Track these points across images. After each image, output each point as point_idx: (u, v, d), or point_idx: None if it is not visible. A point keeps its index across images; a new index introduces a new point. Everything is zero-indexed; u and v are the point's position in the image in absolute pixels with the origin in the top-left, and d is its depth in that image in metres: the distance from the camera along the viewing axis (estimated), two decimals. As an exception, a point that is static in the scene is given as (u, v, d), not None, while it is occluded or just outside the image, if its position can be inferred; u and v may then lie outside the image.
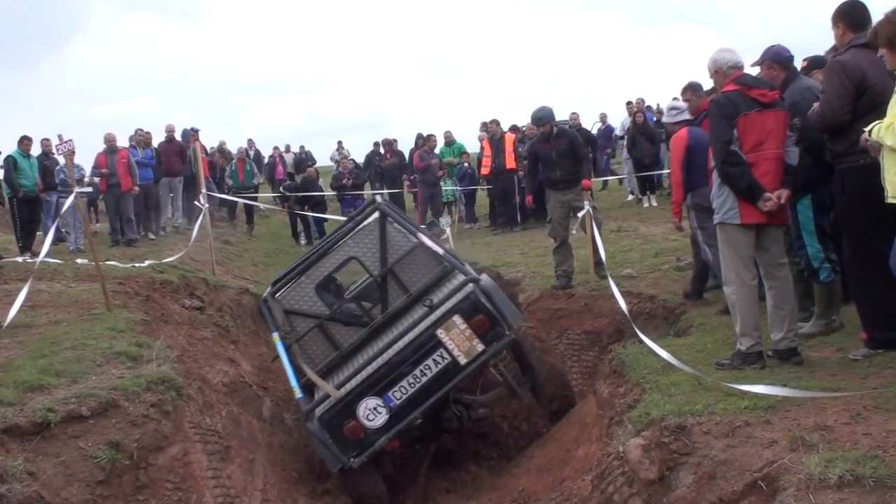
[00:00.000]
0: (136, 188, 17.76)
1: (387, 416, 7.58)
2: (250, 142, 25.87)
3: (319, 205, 21.50)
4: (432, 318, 7.75)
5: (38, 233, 16.70)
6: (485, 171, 20.22)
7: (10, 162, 15.63)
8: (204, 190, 16.43)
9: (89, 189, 17.33)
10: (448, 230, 16.26)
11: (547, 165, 11.73)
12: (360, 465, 7.63)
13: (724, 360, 6.42)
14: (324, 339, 8.77)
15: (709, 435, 4.90)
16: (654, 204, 18.79)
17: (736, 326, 6.37)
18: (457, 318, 7.60)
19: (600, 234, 11.12)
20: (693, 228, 9.51)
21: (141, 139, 19.37)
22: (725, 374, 6.03)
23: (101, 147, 17.78)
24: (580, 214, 11.20)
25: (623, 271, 11.30)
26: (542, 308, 10.97)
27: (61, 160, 15.54)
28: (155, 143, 19.93)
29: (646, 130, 19.22)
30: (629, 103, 21.13)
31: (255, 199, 22.72)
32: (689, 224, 9.72)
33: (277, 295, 9.19)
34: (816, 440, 4.39)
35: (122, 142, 18.49)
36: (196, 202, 17.19)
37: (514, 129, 21.36)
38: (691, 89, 9.99)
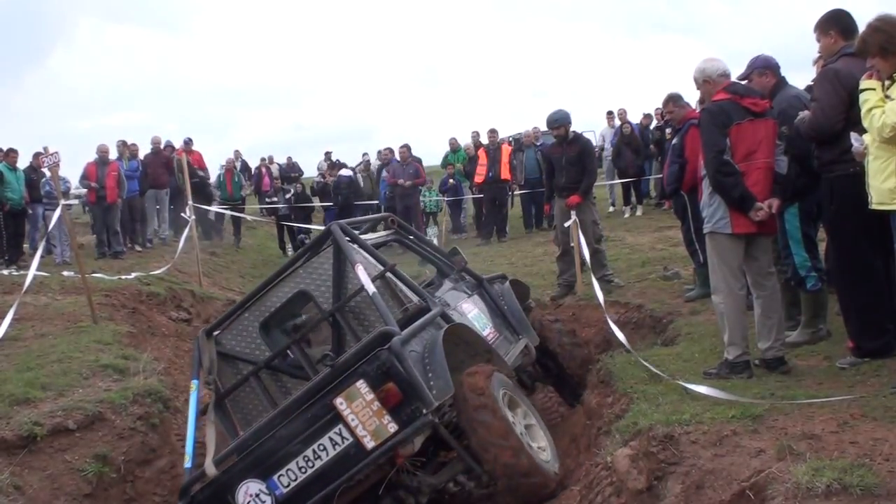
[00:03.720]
0: (120, 200, 17.70)
1: None
2: (237, 153, 25.86)
3: (307, 218, 21.48)
4: (332, 381, 5.97)
5: (24, 246, 16.66)
6: (479, 179, 20.23)
7: (-4, 175, 15.56)
8: (190, 202, 16.40)
9: (75, 201, 17.25)
10: (435, 241, 16.27)
11: (555, 170, 11.71)
12: None
13: (711, 370, 6.43)
14: (261, 391, 7.28)
15: (696, 444, 4.91)
16: (640, 214, 18.84)
17: (724, 335, 6.38)
18: (361, 385, 5.77)
19: (598, 246, 11.17)
20: (687, 235, 9.58)
21: (126, 151, 19.34)
22: (711, 382, 6.07)
23: (90, 158, 17.73)
24: (566, 224, 11.21)
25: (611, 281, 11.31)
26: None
27: (47, 172, 15.49)
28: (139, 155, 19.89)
29: (632, 141, 19.29)
30: (610, 113, 21.19)
31: (242, 210, 22.68)
32: (682, 228, 9.79)
33: (216, 333, 7.66)
34: (804, 449, 4.40)
35: (113, 154, 18.43)
36: (182, 214, 17.17)
37: (511, 141, 21.44)
38: (672, 101, 10.05)
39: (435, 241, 16.10)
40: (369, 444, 5.72)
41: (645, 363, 6.69)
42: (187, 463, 6.47)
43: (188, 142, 21.81)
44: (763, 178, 6.25)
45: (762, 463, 4.41)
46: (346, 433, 5.77)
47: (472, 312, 7.87)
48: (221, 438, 6.98)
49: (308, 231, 20.51)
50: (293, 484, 5.86)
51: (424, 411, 5.66)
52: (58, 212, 12.32)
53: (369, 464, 5.76)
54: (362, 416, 5.73)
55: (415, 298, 7.01)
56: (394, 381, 5.72)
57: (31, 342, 9.93)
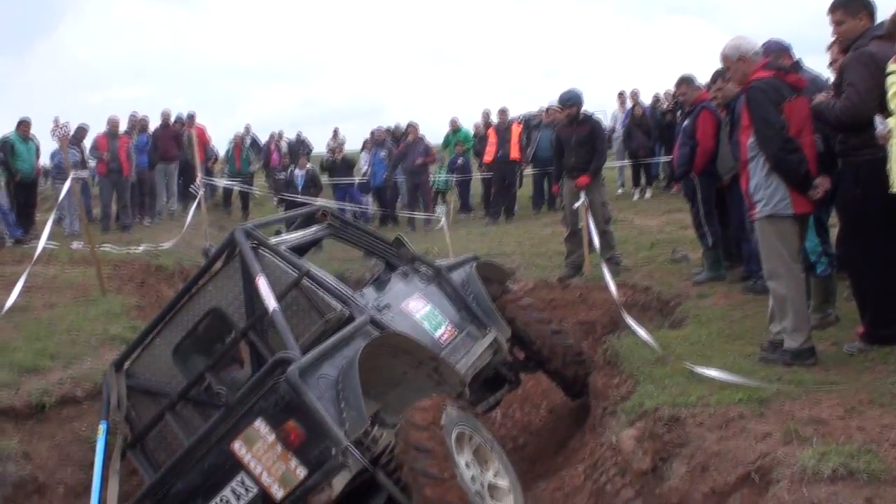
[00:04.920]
0: (133, 175, 17.79)
1: None
2: (247, 128, 25.79)
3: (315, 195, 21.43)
4: (228, 423, 5.17)
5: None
6: (488, 158, 20.15)
7: (8, 146, 15.55)
8: (200, 176, 16.42)
9: (85, 173, 17.26)
10: (444, 220, 16.25)
11: (565, 151, 11.67)
12: None
13: (771, 356, 6.15)
14: (180, 429, 6.07)
15: (702, 427, 4.92)
16: (648, 196, 18.80)
17: (782, 323, 6.10)
18: (259, 425, 4.96)
19: (607, 227, 11.13)
20: (696, 217, 9.55)
21: (138, 123, 19.35)
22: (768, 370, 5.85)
23: (101, 131, 17.75)
24: (575, 206, 11.18)
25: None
26: (537, 298, 10.93)
27: (56, 144, 15.50)
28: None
29: (643, 122, 19.20)
30: (621, 94, 21.07)
31: (250, 185, 22.67)
32: (691, 211, 9.77)
33: (126, 365, 6.61)
34: (810, 433, 4.41)
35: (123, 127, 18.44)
36: (191, 188, 17.19)
37: (521, 120, 21.32)
38: (685, 82, 10.00)
39: (444, 220, 16.09)
40: (277, 493, 4.94)
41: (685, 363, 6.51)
42: None
43: (192, 116, 21.78)
44: (812, 157, 6.03)
45: (768, 446, 4.43)
46: (249, 483, 5.01)
47: (423, 310, 7.03)
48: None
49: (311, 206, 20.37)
50: None
51: (334, 451, 4.83)
52: (67, 183, 12.32)
53: None
54: (265, 460, 4.94)
55: (338, 307, 6.08)
56: (294, 417, 4.92)
57: (40, 312, 9.98)
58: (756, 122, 6.02)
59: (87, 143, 17.99)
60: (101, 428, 6.17)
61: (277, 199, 21.72)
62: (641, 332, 7.04)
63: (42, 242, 10.54)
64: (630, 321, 7.46)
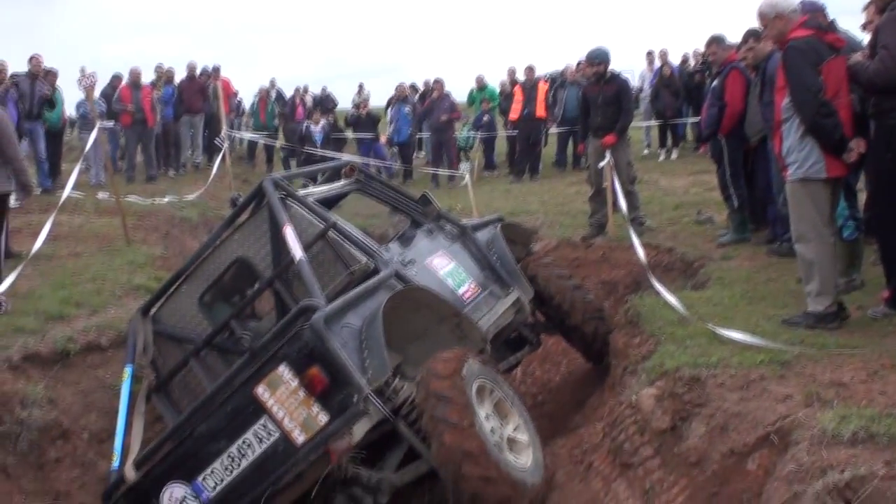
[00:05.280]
0: (158, 127, 17.84)
1: None
2: (272, 81, 25.69)
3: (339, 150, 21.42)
4: (252, 368, 5.28)
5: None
6: (514, 115, 20.01)
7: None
8: (225, 128, 16.44)
9: (111, 123, 17.31)
10: (468, 177, 16.19)
11: (591, 109, 11.57)
12: None
13: (795, 319, 6.06)
14: (204, 375, 6.27)
15: (723, 387, 4.92)
16: (675, 157, 18.65)
17: (810, 285, 6.02)
18: (283, 371, 5.05)
19: (631, 187, 11.05)
20: (723, 179, 9.47)
21: (163, 75, 19.35)
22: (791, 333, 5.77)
23: (124, 82, 17.79)
24: (600, 165, 11.10)
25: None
26: (560, 257, 10.90)
27: (83, 94, 15.51)
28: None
29: (671, 83, 18.99)
30: (649, 53, 20.84)
31: (275, 139, 22.67)
32: (717, 173, 9.68)
33: (153, 312, 6.78)
34: (831, 396, 4.40)
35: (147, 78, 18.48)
36: (216, 140, 17.22)
37: (548, 79, 21.10)
38: (715, 42, 9.87)
39: (468, 178, 16.03)
40: (299, 437, 5.05)
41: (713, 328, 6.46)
42: (114, 463, 5.76)
43: (217, 68, 21.74)
44: (848, 118, 5.91)
45: (788, 408, 4.42)
46: (271, 427, 5.09)
47: (447, 267, 7.05)
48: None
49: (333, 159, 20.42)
50: (220, 486, 5.22)
51: (355, 398, 4.96)
52: (94, 133, 12.38)
53: (301, 460, 5.09)
54: (288, 405, 5.04)
55: (363, 259, 6.16)
56: (318, 363, 5.01)
57: (65, 260, 10.09)
58: (792, 83, 5.90)
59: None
60: (127, 372, 6.29)
61: (286, 153, 21.71)
62: (666, 294, 7.02)
63: (67, 190, 10.61)
64: (655, 283, 7.45)
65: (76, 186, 11.50)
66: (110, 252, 10.69)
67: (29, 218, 12.03)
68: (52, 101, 15.18)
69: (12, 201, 8.08)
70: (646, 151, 20.15)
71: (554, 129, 20.44)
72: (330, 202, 7.12)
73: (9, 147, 7.77)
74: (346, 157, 17.68)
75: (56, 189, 14.31)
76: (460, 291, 6.86)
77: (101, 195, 14.31)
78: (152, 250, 11.12)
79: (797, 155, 5.95)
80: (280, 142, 22.95)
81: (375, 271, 5.99)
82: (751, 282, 7.50)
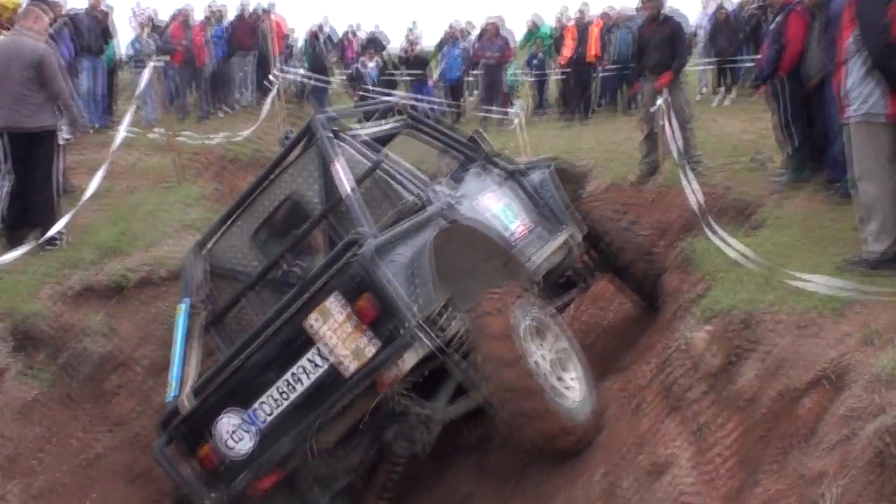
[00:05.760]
0: (209, 66, 17.86)
1: (254, 441, 5.40)
2: (324, 20, 25.51)
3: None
4: (302, 298, 5.34)
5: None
6: (565, 57, 19.72)
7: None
8: (276, 68, 16.42)
9: (164, 61, 17.37)
10: (518, 118, 16.04)
11: (646, 49, 11.41)
12: None
13: (852, 261, 5.90)
14: (257, 310, 6.37)
15: (776, 329, 4.86)
16: (733, 97, 18.30)
17: (868, 228, 5.86)
18: (333, 301, 5.10)
19: (686, 129, 10.86)
20: (783, 119, 9.26)
21: (214, 14, 19.32)
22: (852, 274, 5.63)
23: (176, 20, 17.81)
24: (654, 107, 10.94)
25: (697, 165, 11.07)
26: (611, 199, 10.79)
27: (136, 31, 15.57)
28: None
29: (727, 24, 18.58)
30: (706, -4, 20.35)
31: (326, 80, 22.60)
32: (774, 115, 9.48)
33: (207, 248, 6.85)
34: (888, 338, 4.32)
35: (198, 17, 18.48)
36: (267, 80, 17.22)
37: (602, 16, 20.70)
38: (775, -19, 9.61)
39: (518, 120, 15.89)
40: (349, 367, 5.12)
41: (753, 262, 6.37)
42: (171, 393, 5.85)
43: (269, 8, 21.63)
44: None
45: (844, 350, 4.36)
46: (321, 357, 5.18)
47: (497, 206, 7.01)
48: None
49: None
50: (272, 415, 5.34)
51: (404, 328, 4.99)
52: (147, 71, 12.42)
53: (351, 390, 5.17)
54: (338, 336, 5.09)
55: (412, 195, 6.16)
56: (367, 294, 5.03)
57: (120, 197, 10.24)
58: (861, 18, 5.70)
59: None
60: (182, 306, 6.40)
61: (351, 92, 21.63)
62: (720, 237, 6.95)
63: (123, 128, 10.68)
64: (709, 226, 7.38)
65: (130, 124, 11.58)
66: (164, 189, 10.83)
67: (84, 155, 12.18)
68: (107, 38, 15.25)
69: (62, 137, 8.11)
70: (700, 95, 19.79)
71: (605, 71, 20.11)
72: (379, 141, 7.06)
73: (54, 82, 7.82)
74: (397, 94, 17.64)
75: (110, 126, 14.43)
76: (510, 230, 6.83)
77: (155, 133, 14.41)
78: (204, 188, 11.24)
79: (859, 93, 5.77)
80: (332, 81, 22.86)
81: (424, 208, 6.00)
82: (807, 225, 7.37)
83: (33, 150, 7.86)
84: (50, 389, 6.13)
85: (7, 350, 5.72)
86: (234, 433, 5.42)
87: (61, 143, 8.09)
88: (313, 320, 5.13)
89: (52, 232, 7.69)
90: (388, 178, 6.21)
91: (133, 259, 7.82)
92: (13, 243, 7.62)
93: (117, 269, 7.46)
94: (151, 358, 7.03)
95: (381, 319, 5.01)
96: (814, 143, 9.14)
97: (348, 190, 5.76)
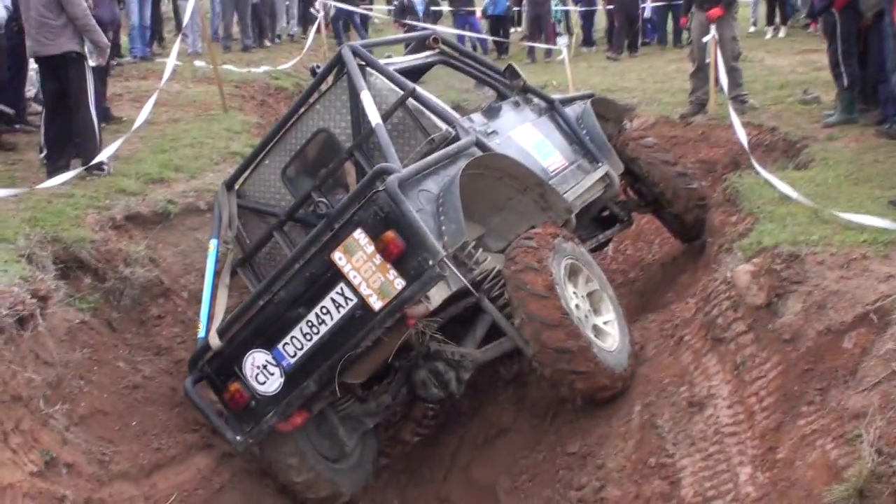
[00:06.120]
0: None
1: (281, 380, 5.39)
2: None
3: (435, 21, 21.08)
4: (328, 233, 5.22)
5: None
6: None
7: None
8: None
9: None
10: (565, 52, 15.81)
11: None
12: (246, 448, 5.64)
13: None
14: (287, 247, 6.37)
15: (822, 265, 4.79)
16: (782, 35, 17.87)
17: None
18: (359, 236, 4.96)
19: (735, 64, 10.61)
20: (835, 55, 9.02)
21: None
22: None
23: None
24: (704, 40, 10.71)
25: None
26: (657, 135, 10.60)
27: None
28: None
29: (781, -45, 18.08)
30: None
31: (370, 9, 22.42)
32: (828, 49, 9.24)
33: (237, 186, 6.79)
34: (937, 277, 4.26)
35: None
36: (311, 9, 17.11)
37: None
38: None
39: (565, 53, 15.66)
40: (376, 303, 4.99)
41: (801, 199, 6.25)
42: (201, 332, 5.84)
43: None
44: None
45: (890, 288, 4.31)
46: (348, 292, 5.06)
47: (532, 139, 6.87)
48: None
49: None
50: (299, 353, 5.30)
51: (431, 262, 4.84)
52: (192, 1, 12.38)
53: (378, 326, 5.05)
54: (364, 271, 4.98)
55: (443, 127, 5.96)
56: (393, 228, 4.88)
57: (164, 126, 10.28)
58: None
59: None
60: (212, 245, 6.38)
61: (398, 24, 21.41)
62: (766, 174, 6.83)
63: (172, 61, 10.68)
64: (756, 163, 7.25)
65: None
66: (207, 119, 10.85)
67: (127, 84, 12.25)
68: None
69: (91, 62, 8.03)
70: (752, 29, 19.31)
71: (654, 4, 19.71)
72: (412, 73, 6.96)
73: (71, 4, 7.69)
74: (442, 28, 17.44)
75: (154, 56, 14.46)
76: (546, 163, 6.70)
77: (198, 63, 14.42)
78: (248, 118, 11.26)
79: None
80: (377, 13, 22.66)
81: (456, 139, 5.82)
82: (856, 163, 7.21)
83: (62, 77, 7.87)
84: (94, 316, 6.20)
85: (52, 276, 5.78)
86: (262, 371, 5.42)
87: (92, 65, 7.99)
88: (339, 255, 5.03)
89: (99, 158, 7.73)
90: (420, 109, 6.05)
91: (177, 188, 7.87)
92: (53, 173, 7.67)
93: (161, 197, 7.50)
94: (194, 287, 7.08)
95: (406, 254, 4.88)
96: (867, 79, 8.92)
97: (376, 121, 5.62)
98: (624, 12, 18.92)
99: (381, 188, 4.95)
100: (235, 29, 18.13)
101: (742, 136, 8.16)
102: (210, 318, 5.94)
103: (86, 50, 7.90)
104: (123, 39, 14.55)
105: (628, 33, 19.09)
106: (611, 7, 19.66)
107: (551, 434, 5.76)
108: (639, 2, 19.03)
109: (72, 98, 7.90)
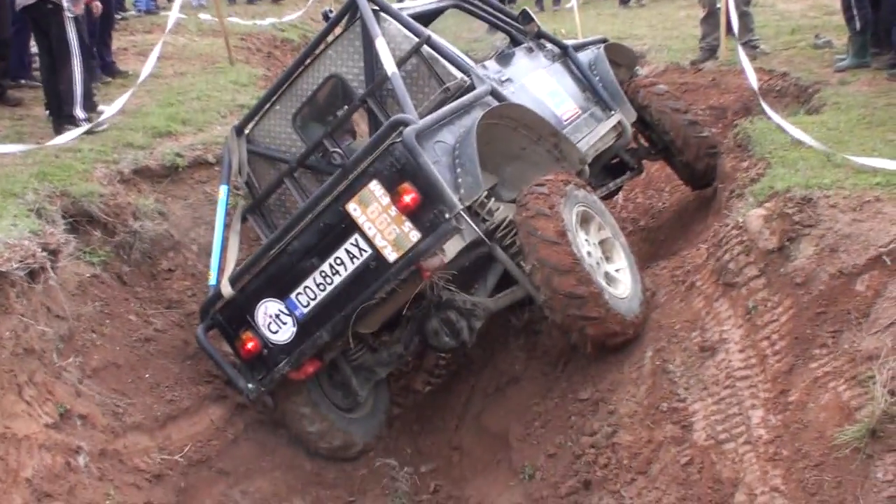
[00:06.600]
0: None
1: (294, 329, 5.41)
2: None
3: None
4: (342, 184, 5.17)
5: None
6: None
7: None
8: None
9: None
10: None
11: None
12: (258, 396, 5.67)
13: None
14: (298, 194, 6.40)
15: (835, 208, 4.75)
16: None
17: None
18: (374, 187, 4.93)
19: (746, 9, 10.46)
20: None
21: None
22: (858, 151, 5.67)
23: None
24: (713, -16, 10.58)
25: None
26: (667, 82, 10.46)
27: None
28: None
29: None
30: None
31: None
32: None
33: (247, 131, 6.70)
34: (951, 218, 4.22)
35: None
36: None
37: None
38: None
39: (574, 0, 15.45)
40: (391, 255, 5.00)
41: (812, 143, 6.19)
42: (211, 280, 5.84)
43: None
44: None
45: (901, 232, 4.27)
46: (363, 244, 5.06)
47: (546, 87, 6.78)
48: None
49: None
50: (312, 303, 5.30)
51: (447, 215, 4.82)
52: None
53: (392, 277, 5.06)
54: (379, 223, 4.96)
55: (459, 75, 5.88)
56: (409, 179, 4.86)
57: (171, 80, 10.23)
58: None
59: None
60: (222, 191, 6.32)
61: None
62: (777, 119, 6.76)
63: (175, 13, 10.60)
64: (767, 107, 7.17)
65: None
66: (214, 72, 10.78)
67: (133, 38, 12.17)
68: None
69: (69, 10, 7.84)
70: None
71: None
72: (426, 18, 6.88)
73: None
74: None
75: (158, 10, 14.35)
76: (559, 111, 6.63)
77: (204, 16, 14.31)
78: (255, 71, 11.18)
79: None
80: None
81: (471, 88, 5.74)
82: (869, 107, 7.13)
83: (44, 28, 7.82)
84: (104, 269, 6.21)
85: (62, 230, 5.78)
86: (275, 320, 5.43)
87: (70, 15, 7.80)
88: (354, 206, 5.01)
89: (106, 114, 7.69)
90: (435, 56, 5.97)
91: (184, 141, 7.85)
92: (58, 129, 7.66)
93: (169, 151, 7.48)
94: (204, 240, 7.09)
95: (423, 206, 4.86)
96: (880, 23, 8.79)
97: (392, 70, 5.51)
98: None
99: (397, 139, 4.91)
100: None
101: (753, 81, 8.08)
102: (221, 265, 5.93)
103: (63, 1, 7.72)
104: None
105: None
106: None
107: (563, 381, 5.75)
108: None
109: (54, 50, 7.79)
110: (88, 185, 6.41)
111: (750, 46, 10.09)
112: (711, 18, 10.89)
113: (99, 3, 9.06)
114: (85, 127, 7.55)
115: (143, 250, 6.62)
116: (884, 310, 3.93)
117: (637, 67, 8.48)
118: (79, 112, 7.78)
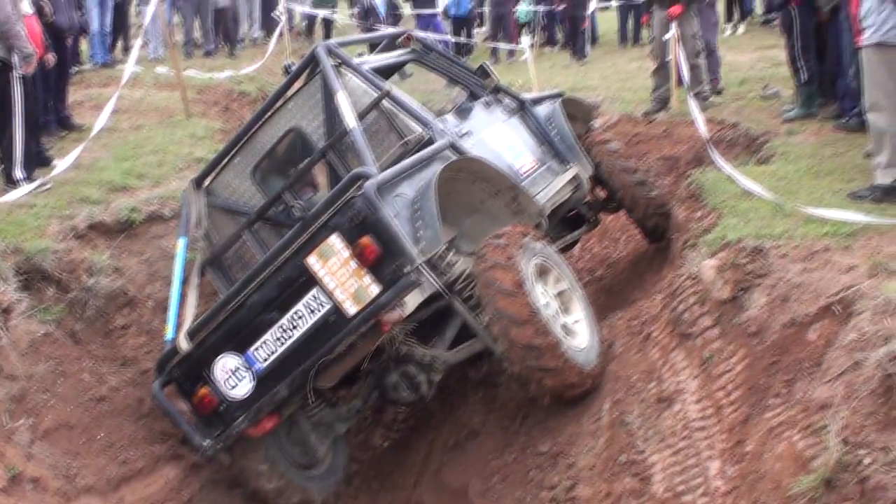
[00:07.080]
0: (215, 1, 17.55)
1: (252, 384, 5.30)
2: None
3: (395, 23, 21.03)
4: (303, 237, 5.13)
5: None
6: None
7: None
8: (282, 3, 16.23)
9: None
10: (528, 52, 15.84)
11: None
12: (214, 453, 5.48)
13: (862, 192, 5.84)
14: (257, 248, 6.27)
15: (785, 258, 4.84)
16: (741, 32, 18.02)
17: (879, 156, 5.80)
18: (335, 240, 4.94)
19: (696, 60, 10.66)
20: (793, 50, 9.09)
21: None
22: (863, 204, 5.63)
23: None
24: (666, 37, 10.78)
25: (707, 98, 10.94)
26: (620, 132, 10.71)
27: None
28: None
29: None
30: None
31: (333, 13, 22.32)
32: (787, 45, 9.31)
33: (206, 184, 6.60)
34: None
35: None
36: (273, 14, 17.02)
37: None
38: None
39: (528, 53, 15.68)
40: (350, 308, 4.99)
41: (762, 193, 6.37)
42: (168, 334, 5.74)
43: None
44: None
45: (852, 279, 4.35)
46: (322, 297, 5.04)
47: (505, 141, 6.85)
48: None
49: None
50: (271, 357, 5.23)
51: (407, 269, 4.86)
52: (152, 6, 12.25)
53: (352, 331, 5.03)
54: (339, 276, 4.96)
55: (418, 129, 5.95)
56: (370, 233, 4.86)
57: (127, 133, 10.19)
58: None
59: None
60: (180, 244, 6.22)
61: (361, 26, 21.35)
62: (728, 169, 6.89)
63: (130, 66, 10.56)
64: (718, 158, 7.29)
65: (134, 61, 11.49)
66: (171, 125, 10.76)
67: (89, 91, 12.12)
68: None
69: (18, 70, 7.56)
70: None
71: (614, 3, 19.65)
72: (386, 72, 6.93)
73: None
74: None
75: (114, 63, 14.30)
76: (517, 165, 6.69)
77: (160, 69, 14.29)
78: (212, 124, 11.17)
79: (875, 18, 5.66)
80: (340, 16, 22.58)
81: (430, 142, 5.79)
82: (816, 157, 7.30)
83: None
84: (58, 327, 6.13)
85: (14, 287, 5.71)
86: (232, 375, 5.35)
87: (18, 75, 7.60)
88: (314, 259, 5.00)
89: (57, 169, 7.60)
90: (395, 110, 6.02)
91: (140, 196, 7.80)
92: (8, 184, 7.57)
93: (124, 205, 7.43)
94: (160, 295, 7.02)
95: (383, 260, 4.87)
96: (825, 74, 9.02)
97: (352, 124, 5.53)
98: (569, 15, 18.86)
99: (357, 193, 4.92)
100: (197, 34, 17.98)
101: (704, 131, 8.24)
102: (179, 319, 5.83)
103: (13, 59, 7.52)
104: (85, 46, 14.41)
105: (574, 35, 18.92)
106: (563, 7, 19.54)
107: (522, 434, 5.75)
108: (582, 4, 18.60)
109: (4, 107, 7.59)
110: (42, 242, 6.36)
111: (701, 97, 10.27)
112: (662, 70, 11.10)
113: (51, 57, 8.98)
114: (26, 188, 7.43)
115: (97, 307, 6.56)
116: (835, 359, 3.98)
117: (592, 121, 8.58)
118: (18, 173, 7.60)
